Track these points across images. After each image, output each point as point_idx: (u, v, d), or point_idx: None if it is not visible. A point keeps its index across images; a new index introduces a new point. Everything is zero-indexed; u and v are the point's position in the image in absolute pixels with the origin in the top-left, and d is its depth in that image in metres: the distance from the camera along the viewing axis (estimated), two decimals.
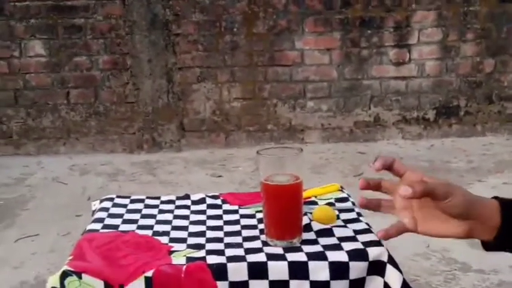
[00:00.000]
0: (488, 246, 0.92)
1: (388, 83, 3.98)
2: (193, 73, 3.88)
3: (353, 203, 1.26)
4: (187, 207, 1.29)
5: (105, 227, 1.17)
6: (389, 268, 1.01)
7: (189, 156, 3.79)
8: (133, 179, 3.39)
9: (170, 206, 1.30)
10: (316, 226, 1.13)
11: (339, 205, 1.25)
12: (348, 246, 1.04)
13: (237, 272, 0.98)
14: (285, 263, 0.99)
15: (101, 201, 1.32)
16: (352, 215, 1.19)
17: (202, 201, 1.32)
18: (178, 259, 1.02)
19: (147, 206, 1.29)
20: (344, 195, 1.31)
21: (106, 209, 1.26)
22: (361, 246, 1.03)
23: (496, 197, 0.92)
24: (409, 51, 3.95)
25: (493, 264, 2.23)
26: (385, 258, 1.01)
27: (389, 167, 0.94)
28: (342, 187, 1.35)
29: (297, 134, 4.01)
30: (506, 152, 3.74)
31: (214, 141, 3.95)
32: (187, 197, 1.35)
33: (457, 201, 0.86)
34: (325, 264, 1.00)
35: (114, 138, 3.91)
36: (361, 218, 1.17)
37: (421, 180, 0.91)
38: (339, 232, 1.10)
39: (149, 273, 0.98)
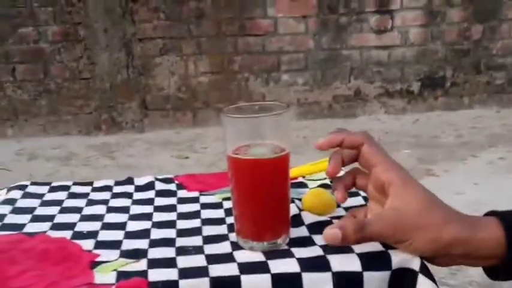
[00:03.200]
0: (491, 274, 0.70)
1: (369, 53, 3.75)
2: (155, 45, 3.65)
3: None
4: (128, 195, 0.95)
5: (4, 227, 0.82)
6: (421, 280, 0.69)
7: (152, 137, 3.57)
8: (88, 163, 3.12)
9: (105, 195, 0.95)
10: (308, 218, 0.81)
11: None
12: (359, 247, 0.71)
13: None
14: (267, 277, 0.67)
15: (9, 189, 0.97)
16: (358, 200, 0.86)
17: (149, 186, 0.98)
18: (105, 275, 0.69)
19: (71, 196, 0.95)
20: (342, 173, 0.97)
21: (12, 201, 0.93)
22: (380, 248, 0.71)
23: (493, 212, 0.69)
24: (392, 18, 3.69)
25: None
26: (416, 266, 0.69)
27: (352, 147, 0.74)
28: None
29: None
30: (497, 125, 3.52)
31: (180, 120, 3.72)
32: (129, 181, 1.01)
33: (420, 247, 0.67)
34: (327, 276, 0.68)
35: (68, 119, 3.63)
36: None
37: (370, 220, 0.69)
38: None
39: None
